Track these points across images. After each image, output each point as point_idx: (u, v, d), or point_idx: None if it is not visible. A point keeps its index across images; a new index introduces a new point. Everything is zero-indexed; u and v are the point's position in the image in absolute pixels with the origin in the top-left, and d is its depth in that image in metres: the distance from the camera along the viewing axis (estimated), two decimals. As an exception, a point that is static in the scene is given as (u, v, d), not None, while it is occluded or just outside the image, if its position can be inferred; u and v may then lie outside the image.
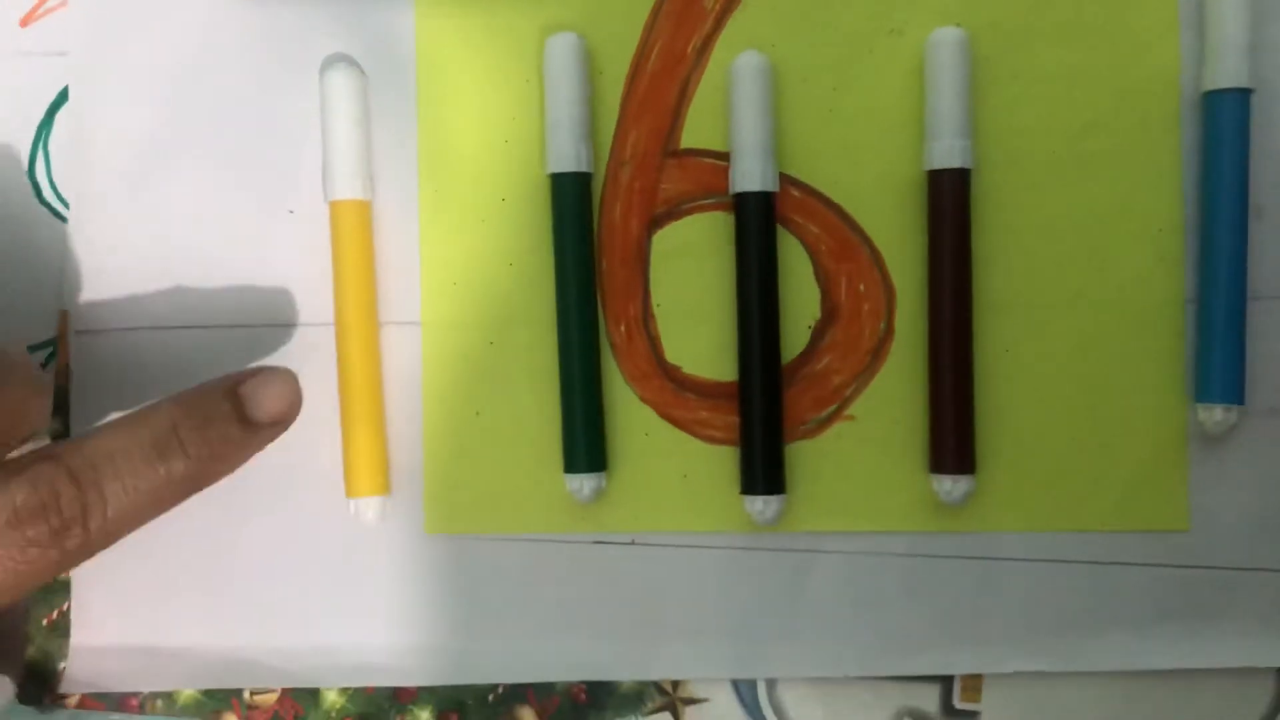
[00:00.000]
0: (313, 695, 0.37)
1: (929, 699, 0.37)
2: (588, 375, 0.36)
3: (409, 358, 0.37)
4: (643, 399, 0.37)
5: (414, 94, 0.37)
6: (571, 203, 0.36)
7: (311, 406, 0.34)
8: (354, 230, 0.36)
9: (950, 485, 0.35)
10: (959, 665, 0.36)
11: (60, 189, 0.37)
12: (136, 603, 0.37)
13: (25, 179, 0.37)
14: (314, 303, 0.37)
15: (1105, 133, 0.36)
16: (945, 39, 0.35)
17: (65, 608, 0.37)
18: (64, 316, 0.37)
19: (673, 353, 0.37)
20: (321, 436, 0.36)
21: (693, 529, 0.37)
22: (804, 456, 0.36)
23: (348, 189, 0.36)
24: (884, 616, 0.36)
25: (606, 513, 0.37)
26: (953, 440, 0.35)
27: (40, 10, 0.37)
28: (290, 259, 0.37)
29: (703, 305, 0.36)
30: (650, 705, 0.37)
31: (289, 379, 0.32)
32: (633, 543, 0.37)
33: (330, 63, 0.36)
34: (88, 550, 0.29)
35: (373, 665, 0.37)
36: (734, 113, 0.36)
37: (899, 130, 0.36)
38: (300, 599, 0.37)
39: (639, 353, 0.37)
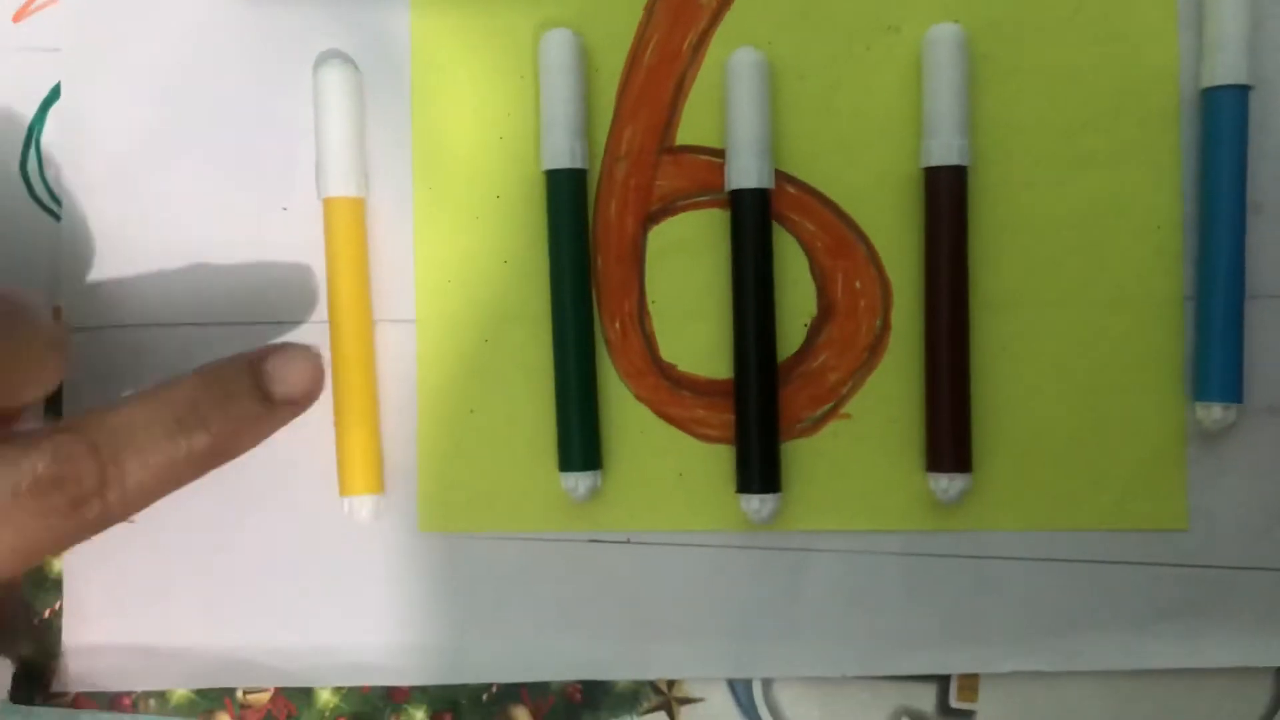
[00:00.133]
0: (306, 694, 0.37)
1: (925, 698, 0.37)
2: (583, 373, 0.36)
3: (403, 355, 0.37)
4: (638, 397, 0.37)
5: (409, 90, 0.37)
6: (567, 199, 0.36)
7: (305, 404, 0.34)
8: (348, 227, 0.36)
9: (947, 484, 0.35)
10: (956, 665, 0.36)
11: (52, 185, 0.37)
12: (129, 602, 0.37)
13: (17, 175, 0.37)
14: (308, 300, 0.37)
15: (1103, 130, 0.36)
16: (942, 36, 0.35)
17: (57, 607, 0.37)
18: (56, 313, 0.37)
19: (668, 350, 0.37)
20: (315, 434, 0.36)
21: (688, 528, 0.36)
22: (800, 455, 0.36)
23: (342, 186, 0.36)
24: (880, 616, 0.36)
25: (602, 511, 0.36)
26: (949, 438, 0.35)
27: (33, 6, 0.37)
28: (284, 256, 0.37)
29: (698, 303, 0.36)
30: (645, 705, 0.37)
31: (311, 356, 0.32)
32: (628, 541, 0.37)
33: (324, 59, 0.36)
34: (105, 521, 0.29)
35: (366, 664, 0.37)
36: (730, 109, 0.35)
37: (896, 127, 0.36)
38: (294, 598, 0.37)
39: (634, 350, 0.37)
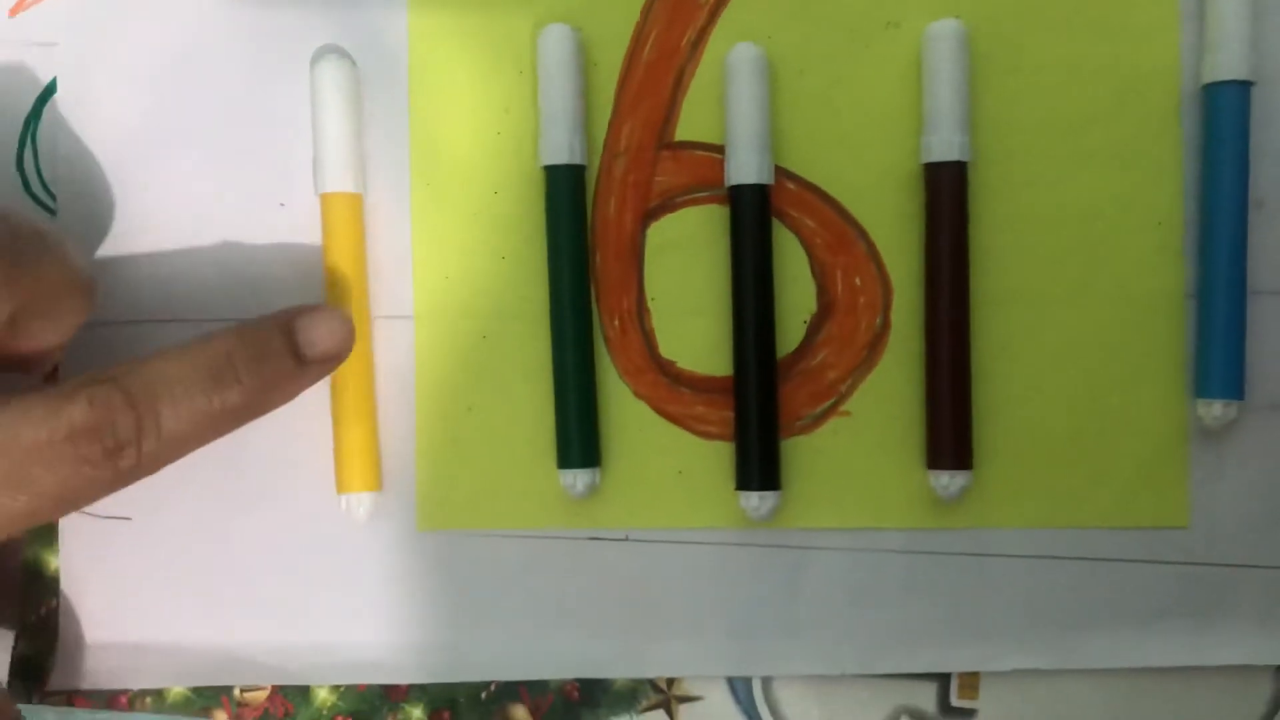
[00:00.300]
0: (303, 693, 0.37)
1: (926, 697, 0.37)
2: (581, 370, 0.36)
3: (401, 352, 0.36)
4: (637, 394, 0.36)
5: (406, 86, 0.36)
6: (565, 195, 0.35)
7: (302, 401, 0.34)
8: (345, 223, 0.36)
9: (947, 481, 0.35)
10: (956, 663, 0.36)
11: (48, 181, 0.37)
12: (126, 599, 0.37)
13: (13, 171, 0.37)
14: (305, 297, 0.36)
15: (1105, 126, 0.36)
16: (943, 31, 0.35)
17: (54, 604, 0.37)
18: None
19: (667, 347, 0.36)
20: (313, 432, 0.36)
21: (687, 525, 0.36)
22: (800, 452, 0.36)
23: (339, 182, 0.35)
24: (880, 613, 0.36)
25: (600, 509, 0.36)
26: (950, 435, 0.35)
27: (29, 0, 0.37)
28: (281, 252, 0.37)
29: (698, 299, 0.36)
30: (644, 703, 0.37)
31: (341, 317, 0.33)
32: (627, 539, 0.36)
33: (321, 54, 0.36)
34: (139, 472, 0.30)
35: (364, 662, 0.36)
36: (729, 105, 0.35)
37: (896, 123, 0.36)
38: (291, 596, 0.37)
39: (633, 347, 0.36)
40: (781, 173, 0.36)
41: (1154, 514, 0.36)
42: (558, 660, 0.36)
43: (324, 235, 0.36)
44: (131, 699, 0.37)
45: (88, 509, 0.36)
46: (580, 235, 0.36)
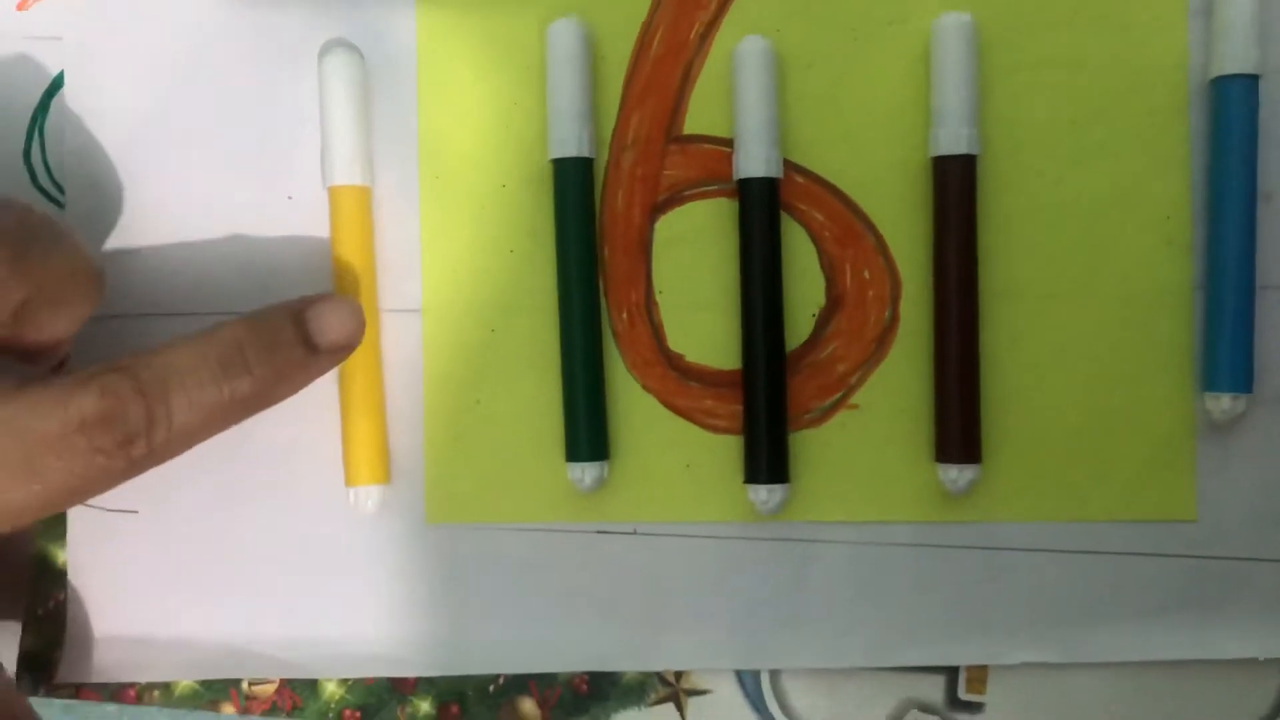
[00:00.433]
0: (311, 686, 0.37)
1: (934, 690, 0.37)
2: (590, 363, 0.36)
3: (409, 345, 0.36)
4: (645, 387, 0.36)
5: (414, 79, 0.36)
6: (573, 189, 0.35)
7: (311, 394, 0.34)
8: (353, 216, 0.36)
9: (956, 474, 0.35)
10: (964, 656, 0.36)
11: (56, 175, 0.37)
12: (133, 593, 0.37)
13: (21, 164, 0.37)
14: (313, 290, 0.36)
15: (1112, 119, 0.36)
16: (951, 25, 0.35)
17: (62, 598, 0.37)
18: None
19: (675, 341, 0.36)
20: (321, 425, 0.36)
21: (696, 518, 0.36)
22: (808, 445, 0.36)
23: (347, 174, 0.35)
24: (888, 607, 0.36)
25: (608, 502, 0.36)
26: (958, 429, 0.35)
27: (36, -7, 0.37)
28: (289, 245, 0.36)
29: (706, 293, 0.36)
30: (653, 696, 0.37)
31: (352, 306, 0.33)
32: (635, 532, 0.36)
33: (329, 47, 0.36)
34: (150, 461, 0.30)
35: (372, 656, 0.36)
36: (737, 98, 0.35)
37: (904, 116, 0.36)
38: (299, 589, 0.37)
39: (641, 341, 0.36)
40: (790, 166, 0.36)
41: (1161, 508, 0.36)
42: (566, 653, 0.36)
43: (332, 228, 0.36)
44: (139, 692, 0.37)
45: (95, 502, 0.36)
46: (588, 229, 0.36)
